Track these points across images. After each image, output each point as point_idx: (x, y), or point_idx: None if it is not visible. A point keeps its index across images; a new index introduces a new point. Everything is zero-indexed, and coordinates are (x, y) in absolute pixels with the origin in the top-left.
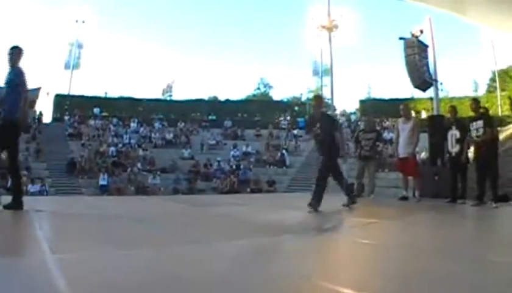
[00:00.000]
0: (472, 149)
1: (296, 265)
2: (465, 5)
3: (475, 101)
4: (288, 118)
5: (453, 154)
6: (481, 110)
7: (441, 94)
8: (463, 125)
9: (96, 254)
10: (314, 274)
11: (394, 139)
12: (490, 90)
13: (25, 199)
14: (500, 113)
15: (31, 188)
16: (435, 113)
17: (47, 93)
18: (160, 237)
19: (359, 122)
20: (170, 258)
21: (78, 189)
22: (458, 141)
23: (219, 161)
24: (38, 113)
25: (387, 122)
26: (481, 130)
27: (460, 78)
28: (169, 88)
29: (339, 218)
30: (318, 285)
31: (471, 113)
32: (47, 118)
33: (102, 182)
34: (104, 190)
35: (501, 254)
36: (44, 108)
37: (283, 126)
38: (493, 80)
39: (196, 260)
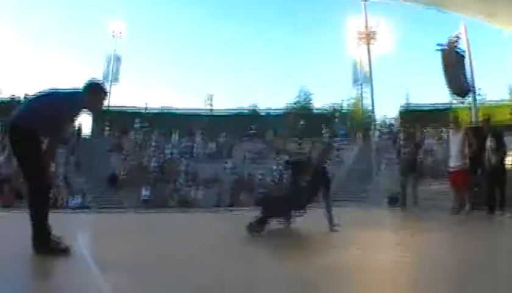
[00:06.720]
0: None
1: (336, 282)
2: (497, 11)
3: None
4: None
5: (491, 164)
6: None
7: (478, 101)
8: (499, 134)
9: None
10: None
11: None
12: None
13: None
14: None
15: (71, 201)
16: (473, 120)
17: None
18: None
19: (399, 134)
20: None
21: (120, 203)
22: (494, 151)
23: (262, 174)
24: (76, 127)
25: (427, 132)
26: None
27: (495, 83)
28: (209, 98)
29: (381, 233)
30: None
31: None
32: (86, 132)
33: (144, 195)
34: (146, 204)
35: None
36: (83, 122)
37: (324, 137)
38: None
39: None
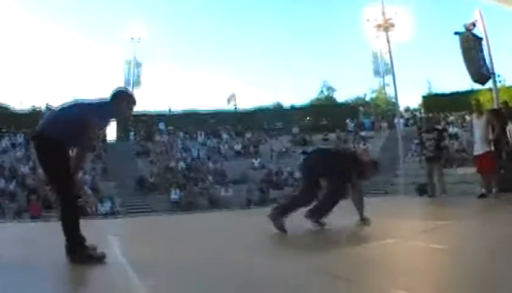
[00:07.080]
0: None
1: (369, 273)
2: None
3: None
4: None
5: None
6: None
7: (498, 84)
8: None
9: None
10: (389, 282)
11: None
12: None
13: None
14: None
15: (101, 207)
16: (495, 105)
17: None
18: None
19: (419, 123)
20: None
21: (149, 206)
22: None
23: (289, 171)
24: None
25: (451, 117)
26: None
27: None
28: (232, 97)
29: (409, 223)
30: None
31: None
32: (111, 137)
33: (173, 197)
34: (176, 205)
35: None
36: (107, 127)
37: (350, 129)
38: None
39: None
